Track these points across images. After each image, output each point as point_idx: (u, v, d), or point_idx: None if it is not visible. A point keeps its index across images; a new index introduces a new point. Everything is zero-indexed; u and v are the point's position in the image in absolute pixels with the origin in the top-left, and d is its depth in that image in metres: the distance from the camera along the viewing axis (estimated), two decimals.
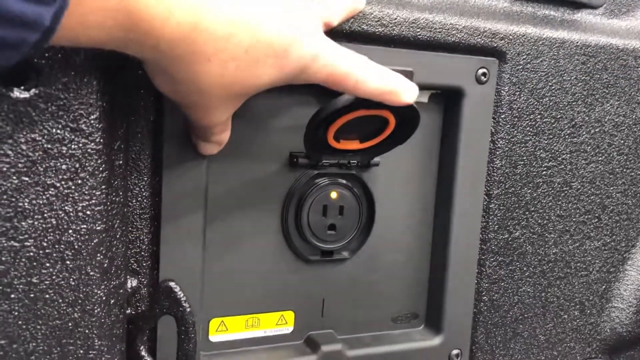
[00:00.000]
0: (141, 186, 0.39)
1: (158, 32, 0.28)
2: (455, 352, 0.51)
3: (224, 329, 0.45)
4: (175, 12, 0.28)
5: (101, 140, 0.32)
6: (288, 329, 0.47)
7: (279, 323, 0.46)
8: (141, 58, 0.30)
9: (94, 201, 0.33)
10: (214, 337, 0.44)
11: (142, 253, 0.40)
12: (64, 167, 0.32)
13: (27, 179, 0.31)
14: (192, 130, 0.38)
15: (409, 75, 0.43)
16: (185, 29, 0.28)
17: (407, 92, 0.36)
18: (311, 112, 0.43)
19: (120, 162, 0.36)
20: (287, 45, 0.32)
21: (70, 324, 0.33)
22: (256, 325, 0.46)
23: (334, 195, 0.45)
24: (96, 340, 0.34)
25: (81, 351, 0.34)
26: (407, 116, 0.39)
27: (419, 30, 0.44)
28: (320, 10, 0.38)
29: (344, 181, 0.46)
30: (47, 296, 0.33)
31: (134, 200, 0.39)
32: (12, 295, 0.32)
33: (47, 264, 0.32)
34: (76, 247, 0.33)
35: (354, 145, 0.42)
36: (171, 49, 0.29)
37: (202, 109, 0.34)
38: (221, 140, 0.38)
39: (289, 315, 0.47)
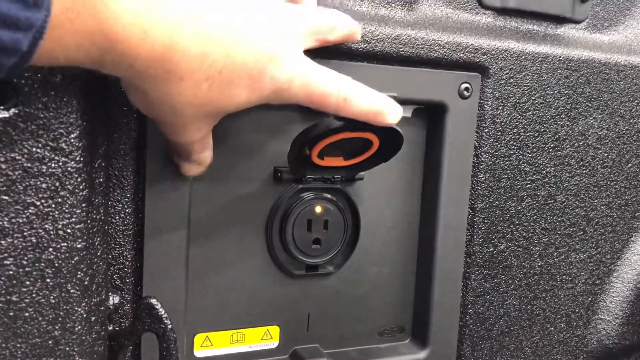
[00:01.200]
0: (124, 203, 0.39)
1: (134, 52, 0.28)
2: None
3: (209, 344, 0.45)
4: (150, 33, 0.28)
5: (81, 159, 0.33)
6: (273, 343, 0.47)
7: (264, 338, 0.46)
8: (118, 76, 0.31)
9: (74, 219, 0.33)
10: (199, 352, 0.44)
11: (125, 269, 0.40)
12: (44, 185, 0.32)
13: (6, 197, 0.31)
14: (172, 149, 0.38)
15: (392, 98, 0.44)
16: (159, 49, 0.28)
17: (392, 113, 0.37)
18: (296, 127, 0.44)
19: (102, 179, 0.36)
20: (262, 66, 0.32)
21: (50, 342, 0.33)
22: (241, 340, 0.46)
23: (318, 209, 0.46)
24: (77, 358, 0.34)
25: None
26: (390, 137, 0.40)
27: (401, 46, 0.45)
28: (311, 26, 0.37)
29: (328, 195, 0.46)
30: (27, 314, 0.33)
31: (117, 217, 0.39)
32: None
33: (27, 282, 0.32)
34: (56, 265, 0.33)
35: (338, 162, 0.42)
36: (146, 69, 0.29)
37: (177, 127, 0.34)
38: (201, 159, 0.38)
39: (274, 330, 0.47)
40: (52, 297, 0.33)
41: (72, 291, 0.34)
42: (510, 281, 0.53)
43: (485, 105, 0.49)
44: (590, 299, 0.57)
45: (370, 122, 0.37)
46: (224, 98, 0.32)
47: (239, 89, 0.32)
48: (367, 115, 0.36)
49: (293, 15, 0.35)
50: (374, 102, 0.36)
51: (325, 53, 0.42)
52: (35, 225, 0.32)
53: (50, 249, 0.33)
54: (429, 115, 0.49)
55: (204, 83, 0.30)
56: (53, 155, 0.32)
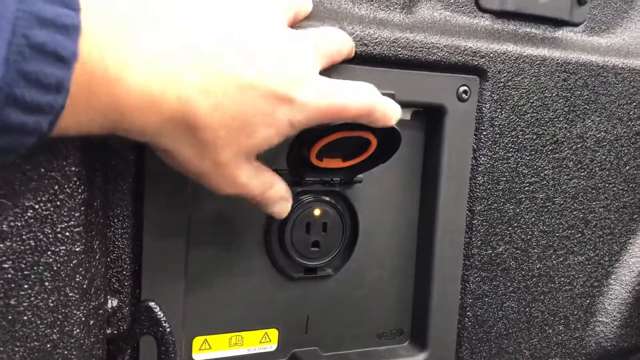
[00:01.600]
0: (123, 206, 0.39)
1: (144, 121, 0.29)
2: None
3: (207, 348, 0.44)
4: (158, 100, 0.29)
5: (80, 162, 0.33)
6: (272, 346, 0.47)
7: (262, 341, 0.46)
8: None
9: (72, 222, 0.33)
10: (197, 356, 0.44)
11: (124, 272, 0.40)
12: (42, 189, 0.32)
13: (5, 201, 0.31)
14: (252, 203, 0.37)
15: (390, 97, 0.44)
16: (167, 113, 0.30)
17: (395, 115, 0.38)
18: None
19: (100, 182, 0.36)
20: (273, 108, 0.32)
21: (49, 346, 0.33)
22: (240, 343, 0.46)
23: (317, 212, 0.46)
24: None
25: None
26: (388, 137, 0.40)
27: (400, 49, 0.45)
28: (320, 52, 0.36)
29: (327, 198, 0.46)
30: (26, 318, 0.33)
31: (116, 220, 0.39)
32: None
33: (26, 286, 0.32)
34: (55, 268, 0.33)
35: (337, 163, 0.42)
36: (158, 131, 0.30)
37: (220, 175, 0.34)
38: (278, 195, 0.37)
39: (273, 333, 0.47)
40: (50, 300, 0.33)
41: (70, 294, 0.34)
42: (508, 284, 0.53)
43: (483, 108, 0.49)
44: (588, 301, 0.58)
45: (370, 124, 0.37)
46: (250, 138, 0.32)
47: (262, 127, 0.32)
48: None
49: (301, 48, 0.34)
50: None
51: None
52: (33, 229, 0.32)
53: (49, 252, 0.33)
54: (428, 118, 0.49)
55: (221, 130, 0.31)
56: (52, 159, 0.32)
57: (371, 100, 0.36)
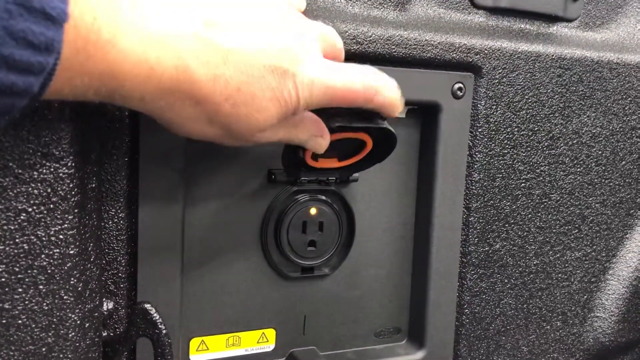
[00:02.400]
0: (117, 207, 0.39)
1: (142, 88, 0.28)
2: None
3: (205, 348, 0.44)
4: (157, 68, 0.28)
5: (73, 164, 0.32)
6: (269, 346, 0.47)
7: (260, 341, 0.46)
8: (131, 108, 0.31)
9: (66, 225, 0.33)
10: (195, 357, 0.44)
11: (119, 274, 0.39)
12: (35, 192, 0.32)
13: None
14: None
15: None
16: (167, 81, 0.29)
17: (400, 105, 0.38)
18: None
19: (94, 185, 0.35)
20: (279, 77, 0.31)
21: (44, 349, 0.33)
22: (237, 343, 0.45)
23: (313, 211, 0.45)
24: None
25: None
26: (384, 138, 0.40)
27: (394, 47, 0.45)
28: (320, 33, 0.35)
29: (323, 197, 0.46)
30: (20, 321, 0.32)
31: (110, 222, 0.39)
32: None
33: (20, 289, 0.32)
34: (49, 271, 0.33)
35: (333, 163, 0.42)
36: (157, 100, 0.29)
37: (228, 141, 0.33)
38: (313, 140, 0.36)
39: (270, 333, 0.46)
40: (45, 303, 0.33)
41: (65, 297, 0.33)
42: (506, 280, 0.53)
43: (478, 105, 0.49)
44: (586, 296, 0.58)
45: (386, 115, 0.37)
46: (253, 112, 0.31)
47: (265, 101, 0.31)
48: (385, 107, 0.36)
49: (308, 28, 0.34)
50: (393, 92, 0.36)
51: None
52: (27, 232, 0.32)
53: (43, 256, 0.32)
54: (423, 116, 0.49)
55: (225, 103, 0.30)
56: (44, 161, 0.32)
57: (377, 82, 0.35)
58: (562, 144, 0.53)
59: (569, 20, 0.56)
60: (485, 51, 0.48)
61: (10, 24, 0.23)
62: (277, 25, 0.32)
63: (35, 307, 0.33)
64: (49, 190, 0.32)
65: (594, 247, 0.57)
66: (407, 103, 0.48)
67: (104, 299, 0.38)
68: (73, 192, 0.33)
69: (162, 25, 0.28)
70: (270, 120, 0.32)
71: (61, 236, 0.33)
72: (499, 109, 0.50)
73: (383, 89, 0.36)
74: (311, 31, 0.34)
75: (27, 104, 0.25)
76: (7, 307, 0.32)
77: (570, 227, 0.55)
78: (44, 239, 0.32)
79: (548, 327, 0.56)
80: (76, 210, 0.33)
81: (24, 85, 0.24)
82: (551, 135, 0.53)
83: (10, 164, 0.31)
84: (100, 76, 0.27)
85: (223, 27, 0.30)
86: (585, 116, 0.54)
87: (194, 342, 0.44)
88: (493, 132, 0.50)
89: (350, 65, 0.35)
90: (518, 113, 0.51)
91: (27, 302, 0.32)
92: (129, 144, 0.39)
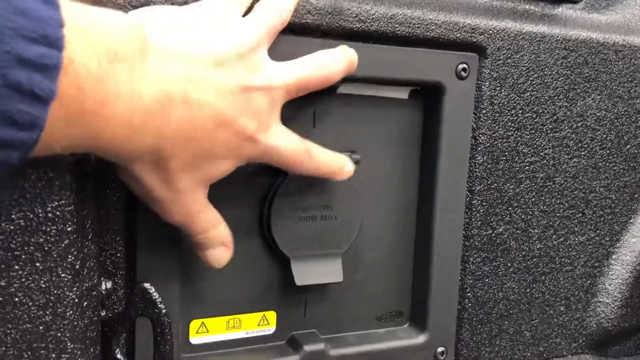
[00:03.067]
0: (116, 186, 0.38)
1: (120, 148, 0.30)
2: (440, 349, 0.50)
3: (205, 331, 0.44)
4: (139, 132, 0.29)
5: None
6: (270, 329, 0.46)
7: (260, 324, 0.46)
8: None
9: (63, 201, 0.32)
10: (195, 339, 0.44)
11: (118, 255, 0.39)
12: (31, 167, 0.31)
13: None
14: (193, 247, 0.38)
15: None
16: (147, 143, 0.30)
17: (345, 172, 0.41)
18: (290, 109, 0.43)
19: (92, 161, 0.35)
20: (239, 144, 0.34)
21: (41, 328, 0.33)
22: (237, 326, 0.45)
23: None
24: (69, 344, 0.33)
25: (53, 355, 0.33)
26: None
27: (397, 25, 0.44)
28: (287, 91, 0.36)
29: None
30: (17, 299, 0.32)
31: (109, 200, 0.38)
32: None
33: (16, 267, 0.32)
34: (46, 248, 0.32)
35: None
36: (133, 158, 0.31)
37: (172, 201, 0.34)
38: (219, 236, 0.38)
39: (271, 316, 0.46)
40: (42, 281, 0.32)
41: (62, 275, 0.33)
42: (509, 264, 0.53)
43: (482, 86, 0.48)
44: (589, 281, 0.57)
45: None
46: (211, 168, 0.34)
47: (224, 159, 0.34)
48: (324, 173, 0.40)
49: (270, 85, 0.35)
50: (330, 161, 0.40)
51: (319, 33, 0.42)
52: (23, 208, 0.31)
53: (40, 232, 0.32)
54: (426, 97, 0.48)
55: (192, 159, 0.32)
56: None
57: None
58: (566, 127, 0.53)
59: (575, 2, 0.55)
60: (490, 31, 0.48)
61: None
62: (248, 98, 0.34)
63: (32, 284, 0.32)
64: (46, 165, 0.31)
65: (598, 231, 0.56)
66: (410, 84, 0.47)
67: (102, 279, 0.38)
68: (70, 168, 0.32)
69: (147, 94, 0.29)
70: (219, 176, 0.35)
71: (58, 212, 0.32)
72: (503, 90, 0.49)
73: (317, 156, 0.40)
74: (278, 94, 0.36)
75: (4, 174, 0.27)
76: (3, 284, 0.31)
77: (574, 211, 0.55)
78: (40, 215, 0.32)
79: (551, 311, 0.56)
80: (74, 186, 0.33)
81: (4, 159, 0.25)
82: (555, 117, 0.52)
83: None
84: (80, 139, 0.28)
85: (198, 99, 0.31)
86: (590, 99, 0.53)
87: (194, 325, 0.43)
88: (497, 114, 0.49)
89: (297, 139, 0.38)
90: (522, 95, 0.50)
91: (23, 280, 0.32)
92: None
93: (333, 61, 0.38)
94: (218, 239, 0.38)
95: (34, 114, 0.24)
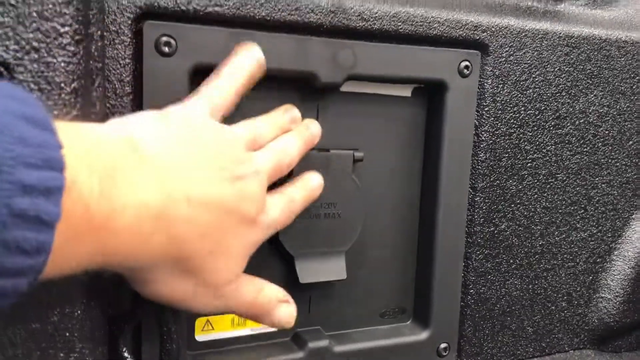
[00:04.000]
0: None
1: (133, 257, 0.30)
2: (443, 345, 0.51)
3: (210, 328, 0.44)
4: (155, 237, 0.29)
5: None
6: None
7: None
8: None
9: None
10: (200, 337, 0.44)
11: None
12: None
13: None
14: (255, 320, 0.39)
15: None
16: (160, 250, 0.30)
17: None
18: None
19: None
20: (248, 228, 0.35)
21: (49, 327, 0.33)
22: (242, 323, 0.45)
23: None
24: (77, 343, 0.34)
25: (62, 354, 0.33)
26: None
27: (400, 24, 0.44)
28: (267, 168, 0.37)
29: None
30: (25, 299, 0.32)
31: None
32: None
33: None
34: None
35: None
36: (149, 264, 0.31)
37: (196, 298, 0.35)
38: (269, 299, 0.38)
39: None
40: (50, 281, 0.33)
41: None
42: (511, 261, 0.53)
43: (485, 84, 0.48)
44: (591, 277, 0.57)
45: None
46: (227, 259, 0.34)
47: (234, 247, 0.35)
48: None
49: (257, 170, 0.36)
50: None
51: (322, 31, 0.42)
52: None
53: None
54: (429, 94, 0.48)
55: (208, 257, 0.33)
56: None
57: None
58: (568, 124, 0.53)
59: None
60: (493, 29, 0.48)
61: (4, 235, 0.22)
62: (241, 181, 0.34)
63: (41, 284, 0.32)
64: None
65: (600, 227, 0.57)
66: (412, 81, 0.47)
67: (109, 278, 0.38)
68: None
69: (155, 201, 0.29)
70: (242, 263, 0.36)
71: None
72: (505, 87, 0.49)
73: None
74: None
75: (14, 300, 0.25)
76: None
77: (576, 207, 0.55)
78: None
79: (553, 307, 0.56)
80: None
81: (12, 287, 0.24)
82: (558, 114, 0.52)
83: None
84: (90, 255, 0.27)
85: (210, 186, 0.32)
86: (592, 95, 0.53)
87: (200, 322, 0.44)
88: (500, 111, 0.49)
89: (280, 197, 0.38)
90: (525, 92, 0.50)
91: None
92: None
93: (292, 145, 0.40)
94: (271, 301, 0.38)
95: (40, 239, 0.24)
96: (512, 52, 0.49)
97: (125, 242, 0.28)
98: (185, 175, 0.31)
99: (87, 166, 0.26)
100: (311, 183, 0.41)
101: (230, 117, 0.42)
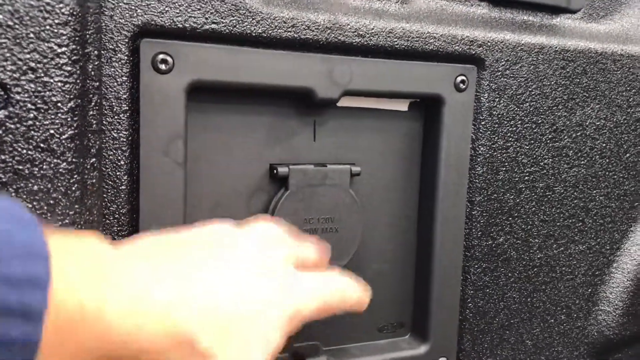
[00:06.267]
0: (118, 203, 0.39)
1: (130, 347, 0.27)
2: (441, 359, 0.51)
3: None
4: (149, 325, 0.27)
5: (73, 160, 0.32)
6: None
7: None
8: None
9: (67, 221, 0.32)
10: None
11: None
12: (35, 187, 0.31)
13: None
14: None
15: None
16: (161, 328, 0.28)
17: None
18: (291, 123, 0.43)
19: (94, 180, 0.35)
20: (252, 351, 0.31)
21: None
22: None
23: None
24: None
25: None
26: None
27: (396, 39, 0.44)
28: (291, 300, 0.34)
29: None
30: None
31: (112, 218, 0.38)
32: None
33: None
34: None
35: None
36: (157, 350, 0.28)
37: None
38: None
39: None
40: None
41: None
42: (509, 274, 0.53)
43: (481, 98, 0.49)
44: (590, 290, 0.57)
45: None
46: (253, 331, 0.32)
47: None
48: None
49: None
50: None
51: (319, 48, 0.42)
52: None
53: None
54: (425, 109, 0.49)
55: (221, 331, 0.30)
56: (44, 157, 0.31)
57: (342, 286, 0.37)
58: (565, 137, 0.53)
59: (573, 12, 0.56)
60: (488, 43, 0.48)
61: None
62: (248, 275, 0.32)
63: None
64: (49, 186, 0.32)
65: (598, 240, 0.57)
66: (409, 96, 0.47)
67: None
68: (73, 188, 0.33)
69: (150, 295, 0.27)
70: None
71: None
72: (502, 101, 0.49)
73: (348, 291, 0.37)
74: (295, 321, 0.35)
75: None
76: None
77: (574, 220, 0.55)
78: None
79: (552, 320, 0.56)
80: (77, 206, 0.33)
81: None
82: (555, 127, 0.52)
83: (9, 160, 0.31)
84: (84, 347, 0.25)
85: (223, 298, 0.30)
86: (589, 108, 0.54)
87: None
88: (496, 125, 0.50)
89: (313, 279, 0.35)
90: (521, 105, 0.50)
91: None
92: (130, 138, 0.38)
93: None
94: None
95: (27, 332, 0.23)
96: (508, 66, 0.49)
97: (119, 334, 0.26)
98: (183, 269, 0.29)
99: (76, 260, 0.25)
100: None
101: (227, 137, 0.42)
